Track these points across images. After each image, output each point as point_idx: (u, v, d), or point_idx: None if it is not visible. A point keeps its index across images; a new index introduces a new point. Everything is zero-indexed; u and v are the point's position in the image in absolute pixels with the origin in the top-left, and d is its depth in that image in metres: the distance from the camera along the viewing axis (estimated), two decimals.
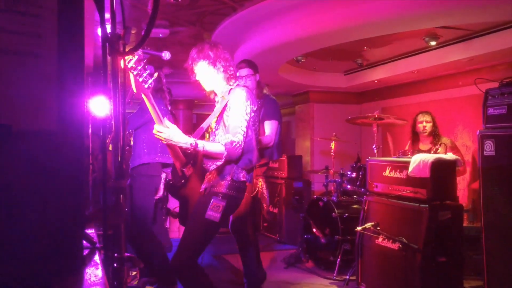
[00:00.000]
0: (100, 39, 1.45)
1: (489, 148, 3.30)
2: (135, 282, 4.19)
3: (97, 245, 1.64)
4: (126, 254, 1.44)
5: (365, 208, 4.20)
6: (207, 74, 3.04)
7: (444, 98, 6.68)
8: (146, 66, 2.62)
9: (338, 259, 4.82)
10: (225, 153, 2.82)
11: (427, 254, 3.48)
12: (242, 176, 2.94)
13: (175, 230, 6.58)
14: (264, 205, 5.45)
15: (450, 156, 3.95)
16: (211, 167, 2.89)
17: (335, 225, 4.96)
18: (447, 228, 3.60)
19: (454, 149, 5.18)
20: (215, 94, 3.15)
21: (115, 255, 1.41)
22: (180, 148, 2.90)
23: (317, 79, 8.03)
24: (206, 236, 2.93)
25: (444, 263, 3.54)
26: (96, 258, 1.49)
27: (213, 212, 2.83)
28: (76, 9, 1.23)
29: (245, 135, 2.89)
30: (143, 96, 2.70)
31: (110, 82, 1.50)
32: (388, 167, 4.02)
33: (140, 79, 2.58)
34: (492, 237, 3.28)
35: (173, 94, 4.55)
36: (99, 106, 3.47)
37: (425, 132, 5.23)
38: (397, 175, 3.90)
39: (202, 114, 11.57)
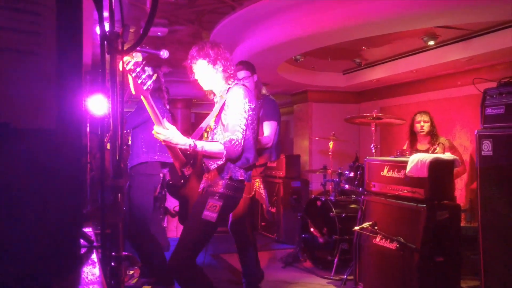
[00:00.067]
0: (98, 38, 1.45)
1: (487, 148, 3.30)
2: (133, 282, 4.19)
3: (95, 243, 1.64)
4: (124, 253, 1.44)
5: (363, 207, 4.20)
6: (206, 73, 3.03)
7: (443, 97, 6.69)
8: (145, 68, 2.61)
9: (336, 259, 4.82)
10: (225, 152, 2.81)
11: (425, 253, 3.49)
12: (240, 175, 2.93)
13: (173, 229, 6.58)
14: (264, 205, 5.45)
15: (448, 156, 3.95)
16: (212, 167, 2.89)
17: (333, 224, 4.96)
18: (444, 228, 3.60)
19: (452, 149, 5.18)
20: (214, 94, 3.14)
21: (113, 254, 1.41)
22: (180, 148, 2.90)
23: (315, 79, 8.03)
24: (204, 235, 2.92)
25: (442, 263, 3.55)
26: (94, 257, 1.49)
27: (210, 212, 2.83)
28: (74, 7, 1.22)
29: (244, 133, 2.88)
30: (142, 97, 2.70)
31: (108, 80, 1.50)
32: (386, 167, 4.02)
33: (139, 81, 2.57)
34: (489, 237, 3.28)
35: (172, 93, 4.55)
36: (97, 104, 3.46)
37: (423, 132, 5.23)
38: (395, 174, 3.91)
39: (200, 113, 11.56)
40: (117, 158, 1.45)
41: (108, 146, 1.77)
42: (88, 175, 3.92)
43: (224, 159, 2.83)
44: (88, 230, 1.81)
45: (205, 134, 3.17)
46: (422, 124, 5.24)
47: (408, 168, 3.71)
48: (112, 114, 1.47)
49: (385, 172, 4.02)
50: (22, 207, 1.11)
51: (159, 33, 5.65)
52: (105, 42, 1.43)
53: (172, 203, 5.85)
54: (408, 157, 3.80)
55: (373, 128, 4.94)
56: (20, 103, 1.12)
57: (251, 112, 2.97)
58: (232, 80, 3.05)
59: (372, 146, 4.85)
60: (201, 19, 5.71)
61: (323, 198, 5.29)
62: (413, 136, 5.39)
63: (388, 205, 3.94)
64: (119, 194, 1.46)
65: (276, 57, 6.11)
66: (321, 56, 6.63)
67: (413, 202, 3.68)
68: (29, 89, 1.13)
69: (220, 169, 2.90)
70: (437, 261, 3.52)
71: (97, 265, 1.38)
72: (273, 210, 6.83)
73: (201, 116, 10.83)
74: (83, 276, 1.26)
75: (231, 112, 2.89)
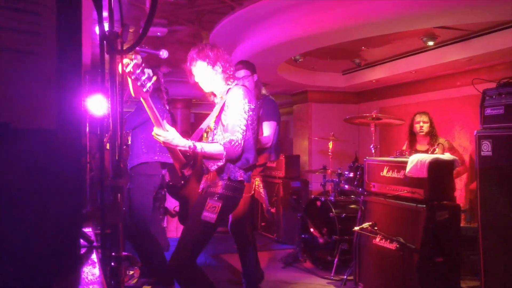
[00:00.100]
0: (98, 37, 1.44)
1: (487, 148, 3.30)
2: (133, 282, 4.19)
3: (95, 244, 1.64)
4: (124, 253, 1.44)
5: (363, 208, 4.20)
6: (206, 75, 3.03)
7: (442, 98, 6.69)
8: (145, 70, 2.60)
9: (336, 259, 4.82)
10: (225, 153, 2.81)
11: (425, 254, 3.49)
12: (239, 175, 2.93)
13: (173, 229, 6.58)
14: (264, 205, 5.45)
15: (447, 156, 3.95)
16: (212, 168, 2.88)
17: (333, 225, 4.96)
18: (444, 228, 3.61)
19: (451, 149, 5.19)
20: (214, 95, 3.14)
21: (113, 254, 1.41)
22: (180, 150, 2.90)
23: (315, 79, 8.03)
24: (203, 236, 2.92)
25: (442, 263, 3.55)
26: (94, 257, 1.49)
27: (209, 213, 2.82)
28: (74, 7, 1.22)
29: (244, 134, 2.88)
30: (141, 100, 2.69)
31: (107, 80, 1.50)
32: (385, 167, 4.02)
33: (138, 83, 2.56)
34: (489, 238, 3.28)
35: (171, 93, 4.55)
36: (97, 104, 3.46)
37: (422, 132, 5.24)
38: (395, 175, 3.91)
39: (200, 113, 11.57)
40: (116, 158, 1.45)
41: (108, 146, 1.77)
42: (87, 175, 3.92)
43: (224, 160, 2.83)
44: (88, 230, 1.81)
45: (205, 135, 3.17)
46: (422, 124, 5.24)
47: (407, 169, 3.71)
48: (111, 114, 1.47)
49: (384, 173, 4.02)
50: (21, 207, 1.11)
51: (158, 33, 5.65)
52: (105, 42, 1.43)
53: (171, 203, 5.84)
54: (408, 158, 3.80)
55: (372, 129, 4.95)
56: (20, 103, 1.12)
57: (251, 113, 2.96)
58: (232, 80, 3.05)
59: (371, 146, 4.85)
60: (201, 19, 5.71)
61: (322, 198, 5.29)
62: (413, 137, 5.39)
63: (388, 206, 3.94)
64: (119, 194, 1.46)
65: (276, 57, 6.11)
66: (320, 57, 6.63)
67: (413, 202, 3.68)
68: (29, 89, 1.13)
69: (220, 170, 2.90)
70: (437, 261, 3.53)
71: (97, 265, 1.38)
72: (273, 210, 6.83)
73: (200, 116, 10.84)
74: (83, 276, 1.26)
75: (231, 112, 2.89)
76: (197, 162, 3.05)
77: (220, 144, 2.84)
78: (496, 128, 3.27)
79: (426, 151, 4.93)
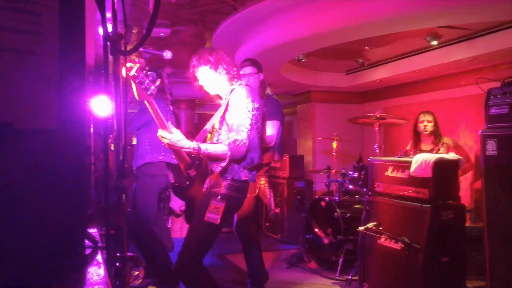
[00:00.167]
0: (101, 38, 1.44)
1: (491, 148, 3.29)
2: (138, 282, 4.19)
3: (99, 244, 1.64)
4: (129, 253, 1.44)
5: (367, 208, 4.19)
6: (210, 78, 3.04)
7: (446, 97, 6.67)
8: (149, 73, 2.60)
9: (341, 259, 4.81)
10: (229, 153, 2.81)
11: (429, 254, 3.48)
12: (243, 175, 2.92)
13: (177, 230, 6.58)
14: (268, 205, 5.45)
15: (452, 156, 3.94)
16: (216, 169, 2.88)
17: (337, 225, 4.95)
18: (449, 228, 3.59)
19: (457, 148, 5.17)
20: (220, 98, 3.14)
21: (117, 254, 1.41)
22: (184, 151, 2.90)
23: (318, 79, 8.02)
24: (207, 236, 2.91)
25: (447, 263, 3.54)
26: (99, 257, 1.49)
27: (213, 214, 2.82)
28: (77, 8, 1.22)
29: (248, 133, 2.88)
30: (145, 103, 2.69)
31: (111, 81, 1.50)
32: (390, 167, 4.01)
33: (143, 86, 2.56)
34: (495, 237, 3.27)
35: (175, 94, 4.54)
36: (101, 105, 3.46)
37: (426, 132, 5.22)
38: (399, 175, 3.90)
39: (204, 114, 11.57)
40: (121, 159, 1.45)
41: (112, 147, 1.77)
42: (92, 176, 3.92)
43: (227, 160, 2.83)
44: (93, 231, 1.81)
45: (209, 135, 3.17)
46: (426, 124, 5.23)
47: (412, 168, 3.70)
48: (115, 115, 1.47)
49: (389, 172, 4.01)
50: (22, 207, 1.11)
51: (161, 34, 5.65)
52: (108, 43, 1.43)
53: (176, 204, 5.85)
54: (412, 157, 3.79)
55: (376, 128, 4.94)
56: (20, 103, 1.12)
57: (255, 112, 2.95)
58: (236, 80, 3.05)
59: (375, 146, 4.84)
60: (204, 19, 5.71)
61: (327, 199, 5.29)
62: (417, 136, 5.38)
63: (393, 205, 3.92)
64: (123, 195, 1.46)
65: (279, 57, 6.11)
66: (323, 57, 6.63)
67: (418, 202, 3.67)
68: (29, 89, 1.13)
69: (223, 170, 2.89)
70: (442, 261, 3.51)
71: (102, 265, 1.38)
72: (277, 210, 6.83)
73: (204, 117, 10.84)
74: (88, 276, 1.26)
75: (235, 112, 2.89)
76: (202, 162, 3.06)
77: (225, 144, 2.84)
78: (501, 127, 3.26)
79: (431, 151, 4.91)
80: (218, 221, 2.81)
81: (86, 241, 1.57)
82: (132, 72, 2.47)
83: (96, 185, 4.02)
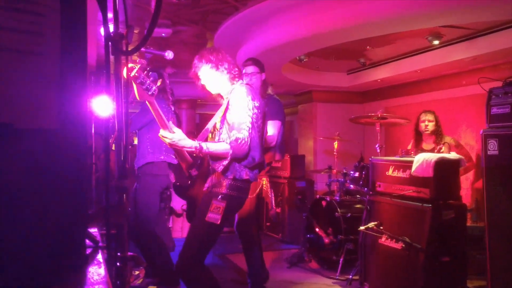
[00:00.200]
0: (103, 39, 1.45)
1: (493, 147, 3.29)
2: (139, 282, 4.19)
3: (100, 244, 1.64)
4: (129, 253, 1.44)
5: (368, 207, 4.19)
6: (211, 78, 3.04)
7: (448, 97, 6.67)
8: (150, 73, 2.60)
9: (341, 259, 4.81)
10: (231, 151, 2.80)
11: (430, 253, 3.48)
12: (244, 174, 2.91)
13: (178, 229, 6.59)
14: (270, 205, 5.45)
15: (453, 155, 3.93)
16: (219, 168, 2.87)
17: (338, 224, 4.95)
18: (450, 227, 3.59)
19: (458, 147, 5.17)
20: (222, 97, 3.15)
21: (118, 254, 1.41)
22: (186, 150, 2.90)
23: (319, 79, 8.02)
24: (208, 236, 2.90)
25: (447, 262, 3.53)
26: (99, 257, 1.49)
27: (214, 214, 2.82)
28: (78, 8, 1.23)
29: (250, 131, 2.87)
30: (147, 103, 2.69)
31: (113, 81, 1.50)
32: (391, 167, 4.01)
33: (144, 87, 2.56)
34: (495, 237, 3.26)
35: (176, 94, 4.55)
36: (102, 105, 3.47)
37: (427, 131, 5.22)
38: (400, 174, 3.90)
39: (205, 113, 11.58)
40: (122, 159, 1.46)
41: (113, 147, 1.77)
42: (93, 176, 3.93)
43: (229, 159, 2.83)
44: (93, 230, 1.81)
45: (210, 135, 3.17)
46: (427, 123, 5.23)
47: (413, 168, 3.70)
48: (117, 115, 1.47)
49: (390, 172, 4.01)
50: (24, 207, 1.11)
51: (163, 34, 5.66)
52: (110, 43, 1.43)
53: (177, 204, 5.85)
54: (413, 157, 3.79)
55: (378, 128, 4.93)
56: (20, 103, 1.12)
57: (255, 110, 2.94)
58: (237, 80, 3.06)
59: (377, 146, 4.83)
60: (205, 19, 5.71)
61: (328, 198, 5.28)
62: (418, 136, 5.38)
63: (394, 205, 3.92)
64: (124, 195, 1.46)
65: (280, 57, 6.11)
66: (325, 56, 6.63)
67: (419, 202, 3.67)
68: (29, 89, 1.13)
69: (225, 169, 2.89)
70: (442, 261, 3.51)
71: (102, 265, 1.39)
72: (278, 210, 6.83)
73: (205, 117, 10.85)
74: (88, 276, 1.27)
75: (236, 110, 2.89)
76: (204, 162, 3.06)
77: (226, 143, 2.84)
78: (503, 127, 3.26)
79: (432, 150, 4.91)
80: (219, 221, 2.81)
81: (87, 241, 1.57)
82: (133, 73, 2.47)
83: (97, 185, 4.03)
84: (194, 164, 3.06)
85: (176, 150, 2.93)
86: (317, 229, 5.28)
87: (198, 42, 6.69)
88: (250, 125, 2.87)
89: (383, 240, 3.89)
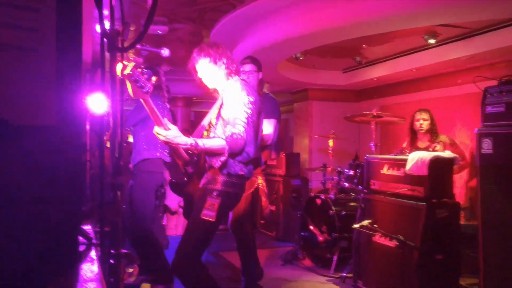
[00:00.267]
0: (98, 36, 1.44)
1: (487, 146, 3.30)
2: (132, 279, 4.19)
3: (94, 241, 1.64)
4: (123, 250, 1.44)
5: (363, 205, 4.20)
6: (209, 72, 3.03)
7: (443, 96, 6.68)
8: (144, 70, 2.59)
9: (335, 257, 4.83)
10: (227, 147, 2.79)
11: (424, 251, 3.49)
12: (239, 169, 2.90)
13: (172, 227, 6.58)
14: (264, 203, 5.45)
15: (448, 154, 3.95)
16: (216, 165, 2.85)
17: (332, 222, 4.96)
18: (444, 226, 3.61)
19: (453, 145, 5.19)
20: (218, 92, 3.14)
21: (112, 251, 1.41)
22: (182, 148, 2.89)
23: (316, 77, 8.02)
24: (204, 233, 2.89)
25: (441, 260, 3.55)
26: (93, 254, 1.49)
27: (209, 211, 2.80)
28: (74, 5, 1.22)
29: (245, 126, 2.85)
30: (141, 100, 2.67)
31: (108, 79, 1.50)
32: (385, 165, 4.02)
33: (138, 85, 2.54)
34: (489, 235, 3.28)
35: (172, 91, 4.54)
36: (97, 103, 3.46)
37: (422, 130, 5.24)
38: (395, 173, 3.91)
39: (200, 111, 11.57)
40: (116, 156, 1.46)
41: (108, 145, 1.77)
42: (87, 173, 3.92)
43: (226, 154, 2.81)
44: (87, 227, 1.81)
45: (205, 133, 3.16)
46: (422, 122, 5.24)
47: (408, 166, 3.71)
48: (111, 112, 1.47)
49: (385, 170, 4.02)
50: (20, 204, 1.11)
51: (159, 31, 5.64)
52: (105, 40, 1.43)
53: (172, 201, 5.84)
54: (408, 155, 3.80)
55: (373, 127, 4.95)
56: (19, 100, 1.12)
57: (250, 105, 2.91)
58: (233, 76, 3.05)
59: (372, 144, 4.85)
60: (202, 17, 5.70)
61: (322, 196, 5.29)
62: (413, 134, 5.39)
63: (388, 203, 3.94)
64: (119, 192, 1.46)
65: (276, 55, 6.10)
66: (321, 55, 6.63)
67: (413, 200, 3.68)
68: (28, 86, 1.13)
69: (223, 165, 2.87)
70: (436, 259, 3.53)
71: (96, 262, 1.39)
72: (273, 208, 6.83)
73: (201, 115, 10.81)
74: (82, 273, 1.27)
75: (231, 106, 2.88)
76: (200, 158, 3.05)
77: (222, 138, 2.83)
78: (497, 126, 3.27)
79: (427, 149, 4.92)
80: (214, 218, 2.80)
81: (80, 238, 1.57)
82: (127, 71, 2.45)
83: (91, 182, 4.02)
84: (190, 161, 3.06)
85: (172, 147, 2.92)
86: (311, 227, 5.29)
87: (194, 40, 6.68)
88: (245, 120, 2.85)
89: (377, 238, 3.90)
